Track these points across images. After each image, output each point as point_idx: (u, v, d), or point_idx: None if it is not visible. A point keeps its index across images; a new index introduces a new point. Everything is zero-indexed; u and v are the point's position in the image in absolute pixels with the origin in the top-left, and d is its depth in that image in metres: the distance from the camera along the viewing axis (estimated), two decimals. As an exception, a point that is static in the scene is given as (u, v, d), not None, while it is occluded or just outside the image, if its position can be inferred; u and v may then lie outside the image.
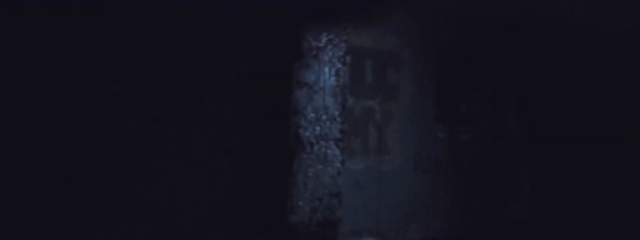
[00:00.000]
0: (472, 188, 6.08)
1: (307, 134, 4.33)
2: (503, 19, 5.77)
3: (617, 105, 6.11)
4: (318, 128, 4.40)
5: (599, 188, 6.14)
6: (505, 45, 6.43)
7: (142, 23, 3.89)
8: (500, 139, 6.36)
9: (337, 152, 4.52)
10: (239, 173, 4.21)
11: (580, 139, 6.27)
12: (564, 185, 6.32)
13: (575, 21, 5.05)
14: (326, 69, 4.54)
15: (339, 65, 4.65)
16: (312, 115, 4.38)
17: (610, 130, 6.12)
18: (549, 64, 6.46)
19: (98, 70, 3.73)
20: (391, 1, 5.41)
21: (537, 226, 6.33)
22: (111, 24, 3.78)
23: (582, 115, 6.29)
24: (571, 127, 6.33)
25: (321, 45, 4.54)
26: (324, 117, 4.46)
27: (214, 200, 4.09)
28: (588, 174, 6.20)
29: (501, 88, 6.43)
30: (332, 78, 4.58)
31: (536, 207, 6.37)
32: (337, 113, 4.55)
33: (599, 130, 6.19)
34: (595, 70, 6.27)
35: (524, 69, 6.50)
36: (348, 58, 4.77)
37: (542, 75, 6.48)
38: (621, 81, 6.11)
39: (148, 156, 3.87)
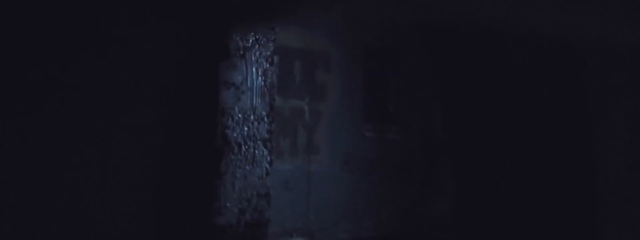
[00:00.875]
0: (401, 187, 6.14)
1: (235, 134, 4.30)
2: (430, 20, 5.84)
3: (539, 106, 6.25)
4: (246, 128, 4.37)
5: (519, 187, 6.27)
6: (433, 46, 6.51)
7: (61, 21, 3.80)
8: (427, 138, 6.43)
9: (266, 152, 4.50)
10: (166, 175, 4.15)
11: (502, 138, 6.39)
12: (486, 184, 6.43)
13: (499, 23, 5.15)
14: (253, 69, 4.52)
15: (267, 65, 4.63)
16: (240, 115, 4.35)
17: (532, 130, 6.26)
18: (473, 65, 6.57)
19: (14, 70, 3.63)
20: (320, 1, 5.42)
21: (460, 224, 6.42)
22: (27, 22, 3.68)
23: (504, 116, 6.41)
24: (494, 127, 6.44)
25: (248, 45, 4.52)
26: (252, 117, 4.43)
27: (139, 202, 4.03)
28: (509, 173, 6.32)
29: (429, 88, 6.51)
30: (260, 78, 4.56)
31: (460, 205, 6.47)
32: (265, 113, 4.53)
33: (521, 130, 6.32)
34: (518, 72, 6.40)
35: (450, 69, 6.59)
36: (276, 58, 4.75)
37: (467, 75, 6.58)
38: (543, 82, 6.25)
39: (68, 157, 3.78)
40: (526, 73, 6.33)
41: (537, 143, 6.20)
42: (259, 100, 4.52)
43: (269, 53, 4.67)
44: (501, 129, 6.40)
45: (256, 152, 4.41)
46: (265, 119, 4.54)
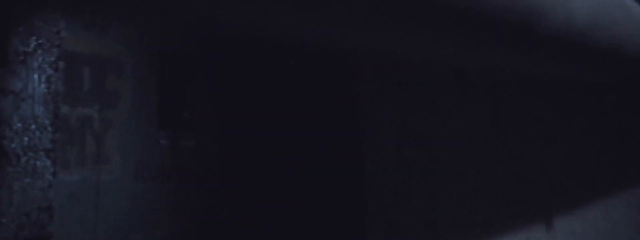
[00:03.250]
0: (196, 195, 6.09)
1: (13, 145, 4.06)
2: (222, 29, 5.85)
3: (313, 115, 6.43)
4: (26, 138, 4.14)
5: (292, 192, 6.43)
6: (226, 54, 6.53)
7: None
8: (218, 144, 6.44)
9: (48, 163, 4.28)
10: None
11: (278, 145, 6.52)
12: (262, 189, 6.54)
13: (276, 34, 5.26)
14: (36, 76, 4.29)
15: (51, 72, 4.42)
16: (19, 124, 4.12)
17: (306, 138, 6.44)
18: (252, 72, 6.66)
19: None
20: (110, 5, 5.26)
21: (243, 229, 6.49)
22: None
23: (279, 122, 6.55)
24: (268, 134, 6.56)
25: (30, 50, 4.29)
26: (33, 126, 4.21)
27: None
28: (284, 178, 6.48)
29: (221, 95, 6.52)
30: (43, 85, 4.34)
31: (242, 210, 6.54)
32: (48, 122, 4.32)
33: (295, 137, 6.48)
34: (294, 81, 6.56)
35: (235, 77, 6.64)
36: (62, 64, 4.55)
37: (248, 83, 6.67)
38: (316, 91, 6.44)
39: None
40: (301, 82, 6.50)
41: (311, 150, 6.38)
42: (42, 109, 4.30)
43: (53, 59, 4.46)
44: (275, 136, 6.54)
45: (38, 163, 4.19)
46: (49, 128, 4.32)
